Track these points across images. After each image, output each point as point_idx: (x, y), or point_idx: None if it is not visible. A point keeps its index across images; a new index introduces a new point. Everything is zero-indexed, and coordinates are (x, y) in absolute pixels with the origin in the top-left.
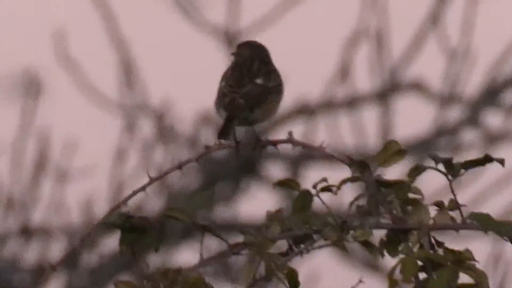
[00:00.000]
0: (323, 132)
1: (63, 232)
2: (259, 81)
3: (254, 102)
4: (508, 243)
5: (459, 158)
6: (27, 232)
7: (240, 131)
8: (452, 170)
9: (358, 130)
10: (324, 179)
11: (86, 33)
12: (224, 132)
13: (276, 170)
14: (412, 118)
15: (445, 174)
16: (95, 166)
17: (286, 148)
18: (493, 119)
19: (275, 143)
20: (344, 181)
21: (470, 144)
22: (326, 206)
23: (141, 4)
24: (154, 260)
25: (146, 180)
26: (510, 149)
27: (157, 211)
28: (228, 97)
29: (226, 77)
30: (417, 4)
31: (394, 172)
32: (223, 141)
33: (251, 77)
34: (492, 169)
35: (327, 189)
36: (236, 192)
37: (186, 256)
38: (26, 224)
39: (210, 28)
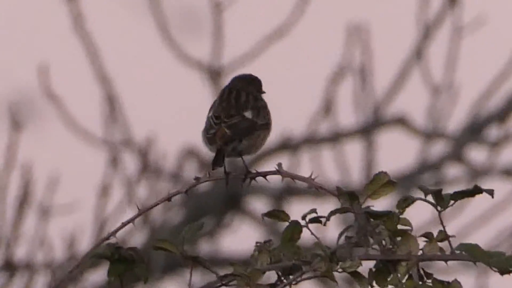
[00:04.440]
0: (307, 167)
1: (47, 268)
2: (247, 114)
3: (241, 134)
4: (492, 277)
5: (443, 193)
6: (10, 267)
7: (230, 163)
8: (442, 201)
9: (341, 165)
10: (313, 210)
11: (70, 68)
12: (217, 160)
13: (259, 205)
14: (396, 153)
15: (435, 206)
16: (78, 201)
17: (269, 182)
18: (477, 154)
19: (264, 175)
20: (334, 212)
21: (454, 179)
22: (316, 237)
23: (125, 40)
24: None
25: (130, 214)
26: (493, 183)
27: (140, 244)
28: (214, 129)
29: (213, 108)
30: (401, 39)
31: (381, 206)
32: (215, 169)
33: (238, 109)
34: (477, 201)
35: (316, 220)
36: (219, 226)
37: None
38: (10, 259)
39: (193, 63)
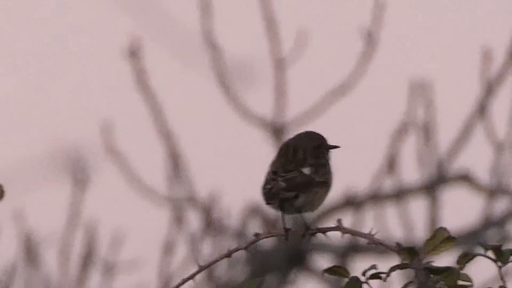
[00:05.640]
0: (370, 224)
1: None
2: (306, 170)
3: (296, 188)
4: None
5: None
6: None
7: (290, 220)
8: (502, 257)
9: (405, 222)
10: (373, 266)
11: (133, 125)
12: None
13: (324, 262)
14: (460, 210)
15: (495, 261)
16: (143, 258)
17: (333, 239)
18: None
19: (324, 231)
20: (393, 268)
21: None
22: None
23: (188, 97)
24: None
25: (194, 270)
26: None
27: None
28: (270, 184)
29: (271, 164)
30: (464, 96)
31: (444, 262)
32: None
33: (296, 165)
34: None
35: (376, 276)
36: (284, 284)
37: None
38: None
39: (257, 120)
